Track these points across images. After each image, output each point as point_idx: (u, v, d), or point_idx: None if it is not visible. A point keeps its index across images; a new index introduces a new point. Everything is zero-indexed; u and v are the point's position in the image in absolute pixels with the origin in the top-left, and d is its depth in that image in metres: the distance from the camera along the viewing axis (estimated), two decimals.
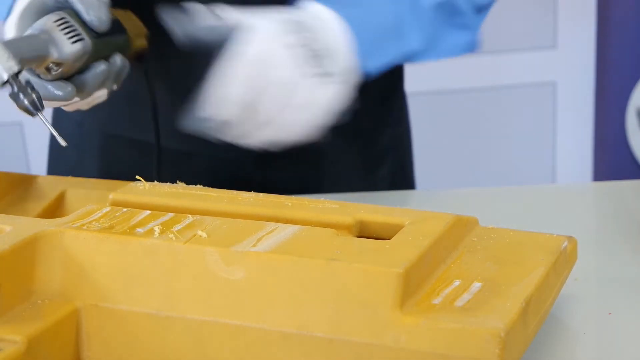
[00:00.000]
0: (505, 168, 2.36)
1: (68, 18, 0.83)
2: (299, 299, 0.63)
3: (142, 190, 0.80)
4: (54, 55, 0.82)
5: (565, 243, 0.74)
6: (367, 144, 1.13)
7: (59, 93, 0.83)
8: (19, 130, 2.18)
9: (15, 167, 0.99)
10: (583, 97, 2.32)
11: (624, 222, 0.94)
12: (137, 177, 0.81)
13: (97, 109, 1.08)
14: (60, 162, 1.15)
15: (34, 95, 0.78)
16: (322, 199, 0.76)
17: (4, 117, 2.19)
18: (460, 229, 0.72)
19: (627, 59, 2.26)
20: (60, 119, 1.16)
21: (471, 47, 1.02)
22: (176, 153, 1.07)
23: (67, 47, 0.82)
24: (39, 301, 0.67)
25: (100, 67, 0.86)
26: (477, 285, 0.66)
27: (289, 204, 0.75)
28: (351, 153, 1.12)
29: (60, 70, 0.83)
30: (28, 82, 0.78)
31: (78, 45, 0.83)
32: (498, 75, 2.30)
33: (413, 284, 0.63)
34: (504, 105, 2.33)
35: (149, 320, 0.66)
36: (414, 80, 2.26)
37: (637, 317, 0.76)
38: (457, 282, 0.66)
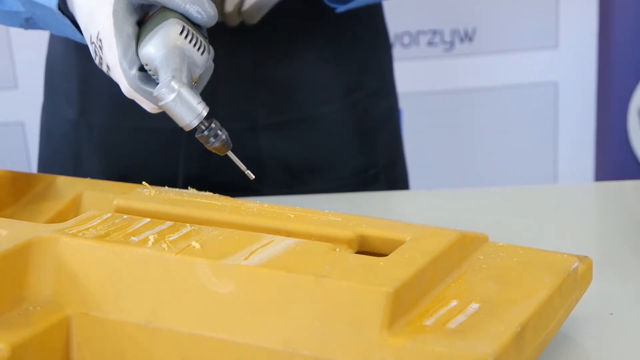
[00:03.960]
0: (506, 168, 2.35)
1: (187, 25, 0.78)
2: (286, 316, 0.62)
3: (147, 196, 0.79)
4: (197, 72, 0.79)
5: (576, 263, 0.71)
6: (363, 116, 1.14)
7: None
8: (20, 130, 2.20)
9: (17, 167, 1.00)
10: (585, 97, 2.30)
11: (625, 222, 0.94)
12: (144, 182, 0.81)
13: (97, 100, 1.08)
14: (54, 168, 1.15)
15: (224, 136, 0.77)
16: (325, 208, 0.74)
17: (5, 116, 2.21)
18: (465, 247, 0.70)
19: (629, 59, 2.23)
20: (52, 119, 1.15)
21: None
22: (180, 131, 1.07)
23: (200, 60, 0.79)
24: (30, 308, 0.67)
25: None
26: (474, 306, 0.63)
27: (292, 215, 0.74)
28: (349, 125, 1.12)
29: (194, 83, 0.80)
30: (216, 123, 0.77)
31: (206, 55, 0.80)
32: (499, 75, 2.29)
33: (404, 304, 0.61)
34: (505, 105, 2.31)
35: (138, 331, 0.65)
36: (415, 80, 2.26)
37: (639, 317, 0.75)
38: (454, 303, 0.64)
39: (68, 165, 1.12)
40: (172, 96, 0.75)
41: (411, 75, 2.25)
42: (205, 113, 0.76)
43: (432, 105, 2.30)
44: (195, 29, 0.79)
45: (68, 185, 0.89)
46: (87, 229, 0.70)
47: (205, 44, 0.80)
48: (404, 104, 2.28)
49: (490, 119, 2.33)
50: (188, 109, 0.75)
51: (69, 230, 0.69)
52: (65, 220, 0.79)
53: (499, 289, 0.66)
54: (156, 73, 0.77)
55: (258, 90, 1.05)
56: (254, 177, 0.79)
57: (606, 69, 2.27)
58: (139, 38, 0.79)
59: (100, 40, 0.79)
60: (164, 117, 1.05)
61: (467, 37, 2.24)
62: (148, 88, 0.78)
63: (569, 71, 2.29)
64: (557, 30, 2.26)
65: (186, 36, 0.78)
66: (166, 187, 0.82)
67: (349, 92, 1.11)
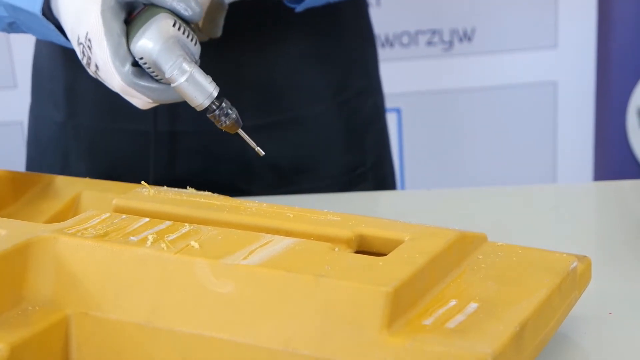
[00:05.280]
0: (505, 168, 2.35)
1: (178, 19, 0.80)
2: (285, 315, 0.62)
3: (146, 196, 0.79)
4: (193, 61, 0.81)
5: (575, 263, 0.71)
6: (351, 115, 1.14)
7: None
8: (20, 130, 2.20)
9: (16, 167, 1.00)
10: (584, 97, 2.31)
11: (624, 221, 0.94)
12: (142, 182, 0.81)
13: (84, 102, 1.08)
14: (42, 169, 1.15)
15: (234, 115, 0.79)
16: (318, 210, 0.74)
17: (5, 116, 2.21)
18: (464, 246, 0.70)
19: (627, 59, 2.24)
20: (40, 120, 1.15)
21: None
22: (167, 134, 1.07)
23: (195, 50, 0.81)
24: (29, 308, 0.67)
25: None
26: (473, 306, 0.63)
27: (291, 215, 0.74)
28: (337, 125, 1.13)
29: None
30: (226, 102, 0.79)
31: (199, 46, 0.82)
32: (498, 75, 2.29)
33: (403, 304, 0.61)
34: (505, 105, 2.32)
35: (137, 331, 0.65)
36: (414, 79, 2.26)
37: (638, 317, 0.75)
38: (453, 302, 0.64)
39: (55, 167, 1.12)
40: (185, 77, 0.77)
41: (410, 75, 2.25)
42: (216, 93, 0.78)
43: (431, 104, 2.31)
44: (185, 23, 0.81)
45: (67, 185, 0.89)
46: (86, 229, 0.70)
47: (195, 37, 0.81)
48: (403, 103, 2.29)
49: (489, 119, 2.33)
50: (200, 90, 0.78)
51: (68, 230, 0.69)
52: (64, 220, 0.79)
53: (498, 288, 0.66)
54: (154, 65, 0.78)
55: (244, 92, 1.05)
56: (263, 153, 0.81)
57: (605, 68, 2.27)
58: (128, 34, 0.80)
59: (89, 40, 0.80)
60: (152, 119, 1.05)
61: (466, 36, 2.25)
62: (142, 82, 0.80)
63: (568, 71, 2.29)
64: (556, 30, 2.26)
65: (179, 28, 0.79)
66: (165, 187, 0.82)
67: (336, 93, 1.11)
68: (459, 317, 0.62)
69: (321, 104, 1.10)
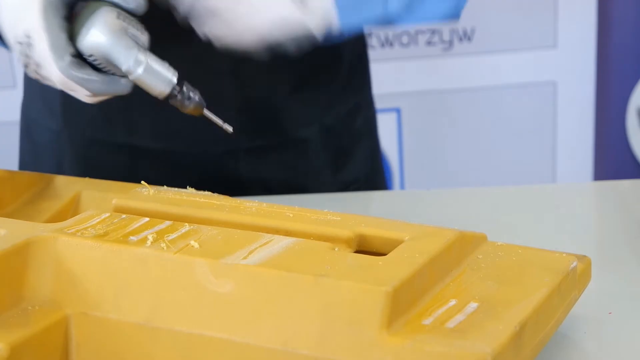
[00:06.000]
0: (505, 168, 2.35)
1: (121, 12, 0.79)
2: (285, 315, 0.62)
3: (146, 196, 0.79)
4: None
5: (575, 263, 0.71)
6: (344, 133, 1.13)
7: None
8: (19, 130, 2.20)
9: (16, 167, 1.00)
10: (583, 97, 2.31)
11: (624, 221, 0.94)
12: (142, 182, 0.81)
13: (80, 113, 1.08)
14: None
15: (197, 97, 0.79)
16: (317, 208, 0.74)
17: (4, 116, 2.20)
18: (464, 246, 0.70)
19: (627, 59, 2.24)
20: (34, 124, 1.14)
21: (451, 15, 1.02)
22: (161, 152, 1.07)
23: (144, 39, 0.80)
24: (29, 307, 0.67)
25: None
26: (473, 305, 0.64)
27: (291, 214, 0.74)
28: (330, 145, 1.12)
29: None
30: (187, 85, 0.78)
31: (147, 35, 0.80)
32: (498, 75, 2.29)
33: (403, 303, 0.61)
34: (504, 105, 2.32)
35: (137, 331, 0.65)
36: (414, 79, 2.26)
37: (638, 316, 0.76)
38: (452, 302, 0.64)
39: (50, 172, 1.12)
40: (142, 67, 0.77)
41: (410, 74, 2.25)
42: (175, 79, 0.78)
43: (431, 104, 2.31)
44: (128, 15, 0.80)
45: (67, 185, 0.89)
46: (85, 229, 0.70)
47: (142, 26, 0.80)
48: (403, 103, 2.29)
49: (489, 119, 2.33)
50: (158, 78, 0.78)
51: (68, 230, 0.69)
52: (64, 219, 0.79)
53: (497, 288, 0.66)
54: (106, 60, 0.78)
55: (240, 115, 1.04)
56: (232, 130, 0.80)
57: (605, 68, 2.28)
58: (73, 32, 0.79)
59: (28, 37, 0.79)
60: (148, 134, 1.05)
61: (466, 36, 2.25)
62: (82, 75, 0.78)
63: (567, 71, 2.29)
64: (556, 29, 2.26)
65: (124, 20, 0.79)
66: (165, 187, 0.82)
67: (330, 113, 1.10)
68: (459, 317, 0.62)
69: (314, 126, 1.09)
